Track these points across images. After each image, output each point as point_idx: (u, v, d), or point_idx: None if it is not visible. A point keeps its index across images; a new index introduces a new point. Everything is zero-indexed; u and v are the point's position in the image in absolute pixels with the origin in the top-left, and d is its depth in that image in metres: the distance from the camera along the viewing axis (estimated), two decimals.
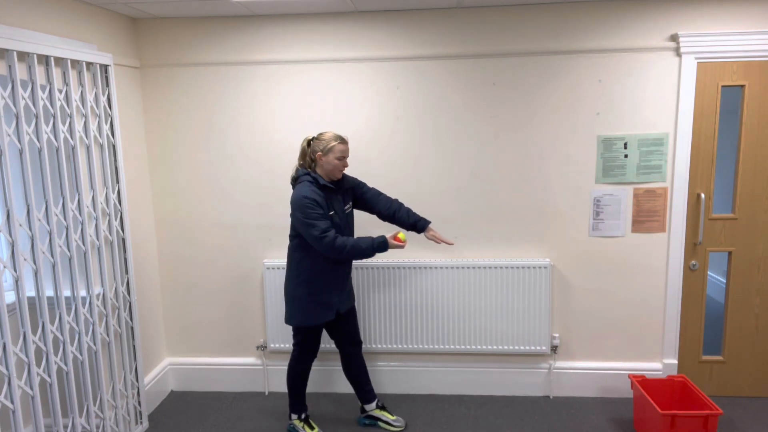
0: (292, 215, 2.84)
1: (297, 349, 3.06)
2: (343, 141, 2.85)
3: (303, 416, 3.15)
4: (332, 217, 2.86)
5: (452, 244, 3.03)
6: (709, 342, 3.50)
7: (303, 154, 2.91)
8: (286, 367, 3.65)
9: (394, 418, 3.24)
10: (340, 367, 3.60)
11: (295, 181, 2.90)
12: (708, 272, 3.45)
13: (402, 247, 2.86)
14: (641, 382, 3.15)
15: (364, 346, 3.54)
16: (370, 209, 3.09)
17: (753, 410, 3.35)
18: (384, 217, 3.07)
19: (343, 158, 2.85)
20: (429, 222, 3.06)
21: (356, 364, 3.20)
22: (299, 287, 2.91)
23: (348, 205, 3.00)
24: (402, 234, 2.86)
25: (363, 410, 3.28)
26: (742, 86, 3.21)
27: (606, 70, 3.23)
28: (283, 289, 3.00)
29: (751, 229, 3.34)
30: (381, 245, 2.83)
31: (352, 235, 3.03)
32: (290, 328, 3.53)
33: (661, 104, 3.24)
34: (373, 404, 3.26)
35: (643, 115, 3.26)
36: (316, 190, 2.80)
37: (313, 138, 2.88)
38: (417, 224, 3.04)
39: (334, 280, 2.95)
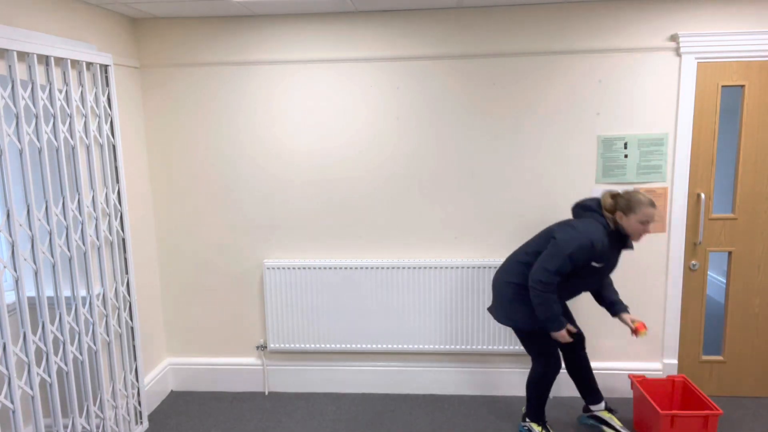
0: (555, 235, 2.71)
1: (538, 362, 2.92)
2: (652, 204, 2.64)
3: (543, 422, 3.03)
4: (602, 267, 2.72)
5: (643, 333, 2.86)
6: (709, 342, 3.50)
7: (606, 202, 2.75)
8: (286, 368, 3.65)
9: (621, 425, 3.05)
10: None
11: (582, 209, 2.78)
12: (708, 272, 3.45)
13: (560, 339, 2.78)
14: (641, 382, 3.15)
15: (364, 345, 3.54)
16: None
17: (753, 410, 3.35)
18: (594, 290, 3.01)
19: (647, 223, 2.64)
20: (626, 308, 2.93)
21: (580, 363, 3.06)
22: (530, 303, 2.82)
23: (615, 262, 2.84)
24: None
25: (587, 409, 3.15)
26: (742, 86, 3.21)
27: (606, 70, 3.23)
28: (503, 296, 2.88)
29: (751, 229, 3.34)
30: (556, 325, 2.71)
31: (593, 288, 2.92)
32: (289, 330, 3.54)
33: (661, 104, 3.24)
34: (601, 405, 3.10)
35: (643, 115, 3.26)
36: (606, 241, 2.65)
37: (621, 193, 2.72)
38: (614, 306, 2.94)
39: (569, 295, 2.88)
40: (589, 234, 2.64)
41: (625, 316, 2.91)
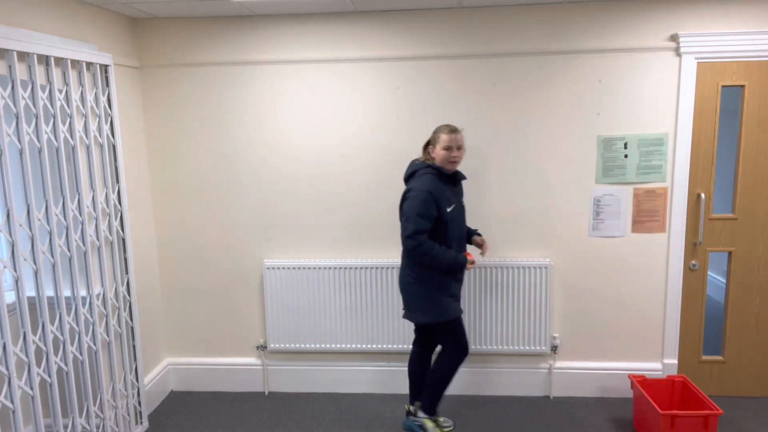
0: (403, 206, 2.81)
1: (451, 347, 2.94)
2: (450, 131, 2.80)
3: (435, 418, 3.07)
4: (452, 212, 2.82)
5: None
6: (709, 342, 3.50)
7: (424, 149, 2.93)
8: (286, 368, 3.65)
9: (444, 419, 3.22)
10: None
11: (411, 176, 2.90)
12: (708, 272, 3.45)
13: (472, 266, 2.89)
14: (641, 382, 3.15)
15: (364, 345, 3.55)
16: None
17: (753, 410, 3.35)
18: None
19: (449, 148, 2.79)
20: (476, 231, 3.14)
21: (426, 364, 3.13)
22: (429, 286, 2.85)
23: (463, 199, 3.01)
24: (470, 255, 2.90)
25: (409, 412, 3.15)
26: (742, 86, 3.21)
27: (606, 70, 3.23)
28: (405, 290, 2.93)
29: (751, 229, 3.34)
30: (461, 264, 2.83)
31: (464, 228, 3.01)
32: (289, 330, 3.54)
33: (661, 104, 3.24)
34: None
35: (643, 115, 3.26)
36: (440, 185, 2.79)
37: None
38: (469, 234, 3.11)
39: (458, 276, 2.93)
40: (422, 187, 2.76)
41: (476, 238, 3.08)
